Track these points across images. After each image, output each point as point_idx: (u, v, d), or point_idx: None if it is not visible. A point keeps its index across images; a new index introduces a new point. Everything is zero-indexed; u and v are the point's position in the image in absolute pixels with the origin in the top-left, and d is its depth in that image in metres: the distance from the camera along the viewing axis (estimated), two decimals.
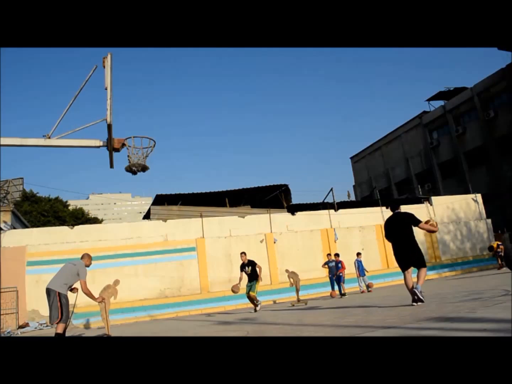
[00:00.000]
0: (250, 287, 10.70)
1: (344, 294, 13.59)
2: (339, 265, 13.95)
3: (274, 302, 15.83)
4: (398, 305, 6.44)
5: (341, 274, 13.85)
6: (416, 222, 6.42)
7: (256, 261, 10.99)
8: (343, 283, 13.91)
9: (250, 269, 10.71)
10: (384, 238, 6.93)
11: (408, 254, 6.34)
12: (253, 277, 10.64)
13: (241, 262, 11.10)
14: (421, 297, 5.92)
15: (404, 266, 6.39)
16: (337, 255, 14.35)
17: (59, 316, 6.20)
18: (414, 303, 5.96)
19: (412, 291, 6.04)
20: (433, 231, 6.59)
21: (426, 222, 6.61)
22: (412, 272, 6.36)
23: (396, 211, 6.71)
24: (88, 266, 6.84)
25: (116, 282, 7.80)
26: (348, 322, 5.61)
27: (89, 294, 6.59)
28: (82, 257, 6.91)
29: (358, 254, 15.28)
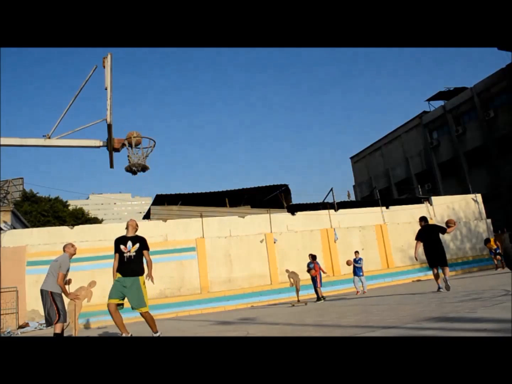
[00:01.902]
0: (134, 295, 5.38)
1: (319, 299, 12.28)
2: (311, 265, 12.58)
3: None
4: (398, 305, 6.45)
5: (314, 276, 12.56)
6: (443, 230, 8.62)
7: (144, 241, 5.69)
8: (318, 287, 12.46)
9: (138, 248, 5.47)
10: (415, 239, 8.89)
11: (436, 255, 8.46)
12: (137, 267, 5.44)
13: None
14: (449, 285, 7.93)
15: (432, 264, 8.53)
16: (311, 256, 12.95)
17: (57, 317, 6.18)
18: (441, 290, 8.08)
19: (438, 282, 8.37)
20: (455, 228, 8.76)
21: (448, 223, 8.77)
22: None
23: (427, 223, 8.99)
24: (73, 254, 6.59)
25: (92, 283, 7.56)
26: (348, 322, 5.62)
27: (63, 288, 6.31)
28: (64, 249, 6.64)
29: (356, 252, 14.52)
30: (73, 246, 6.68)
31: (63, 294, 6.38)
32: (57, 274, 6.25)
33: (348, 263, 13.95)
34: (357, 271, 13.91)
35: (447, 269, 8.30)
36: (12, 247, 14.73)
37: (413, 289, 11.27)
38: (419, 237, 8.74)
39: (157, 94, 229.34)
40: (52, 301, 6.20)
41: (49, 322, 6.25)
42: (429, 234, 8.62)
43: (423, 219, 9.05)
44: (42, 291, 6.33)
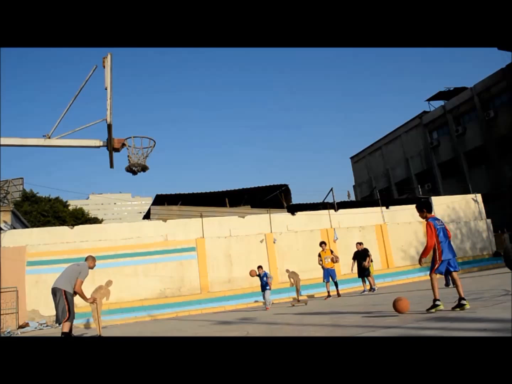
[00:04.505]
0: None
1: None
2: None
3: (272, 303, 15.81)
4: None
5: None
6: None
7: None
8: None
9: None
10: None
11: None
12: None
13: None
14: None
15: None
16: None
17: (67, 315, 6.22)
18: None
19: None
20: None
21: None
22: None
23: None
24: (91, 268, 6.89)
25: (109, 282, 7.74)
26: (348, 322, 5.62)
27: (81, 294, 6.55)
28: (86, 259, 6.95)
29: (259, 267, 12.64)
30: (95, 260, 7.01)
31: (77, 297, 6.61)
32: (76, 279, 6.48)
33: (251, 273, 12.40)
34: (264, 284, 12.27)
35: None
36: (12, 247, 14.71)
37: (414, 289, 11.27)
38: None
39: (156, 94, 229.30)
40: (65, 299, 6.28)
41: (59, 320, 6.30)
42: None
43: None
44: (55, 289, 6.38)
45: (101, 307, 7.26)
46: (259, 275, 12.35)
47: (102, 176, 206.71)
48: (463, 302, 5.00)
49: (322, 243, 13.42)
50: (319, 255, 13.20)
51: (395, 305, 5.47)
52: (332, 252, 13.33)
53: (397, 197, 32.74)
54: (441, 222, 5.54)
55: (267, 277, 12.26)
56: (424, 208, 5.56)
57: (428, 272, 5.77)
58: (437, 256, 5.39)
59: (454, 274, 5.43)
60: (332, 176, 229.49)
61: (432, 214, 5.63)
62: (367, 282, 13.80)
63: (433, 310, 5.19)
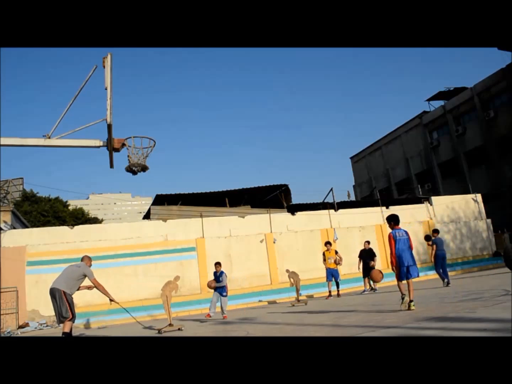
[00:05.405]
0: None
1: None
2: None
3: (275, 302, 15.82)
4: (398, 304, 6.44)
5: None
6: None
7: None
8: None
9: None
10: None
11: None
12: None
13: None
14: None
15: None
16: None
17: (70, 315, 6.24)
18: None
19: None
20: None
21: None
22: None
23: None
24: (89, 267, 6.92)
25: (177, 278, 8.18)
26: (348, 322, 5.62)
27: (103, 290, 6.68)
28: (82, 259, 7.01)
29: (217, 264, 10.51)
30: (91, 260, 7.15)
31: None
32: (91, 281, 6.65)
33: (210, 285, 10.40)
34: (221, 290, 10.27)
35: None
36: (12, 247, 14.70)
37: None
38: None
39: (156, 94, 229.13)
40: (66, 300, 6.30)
41: (60, 320, 6.31)
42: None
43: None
44: (54, 289, 6.38)
45: (171, 299, 7.68)
46: (215, 273, 10.41)
47: (102, 176, 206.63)
48: (411, 303, 5.93)
49: (327, 243, 13.50)
50: (323, 254, 13.29)
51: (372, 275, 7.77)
52: (337, 253, 13.35)
53: (397, 197, 32.74)
54: (404, 233, 6.31)
55: (222, 277, 10.23)
56: (392, 221, 6.43)
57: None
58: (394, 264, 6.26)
59: (409, 281, 6.18)
60: (332, 176, 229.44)
61: (398, 226, 6.43)
62: (368, 282, 13.85)
63: (402, 305, 6.09)
